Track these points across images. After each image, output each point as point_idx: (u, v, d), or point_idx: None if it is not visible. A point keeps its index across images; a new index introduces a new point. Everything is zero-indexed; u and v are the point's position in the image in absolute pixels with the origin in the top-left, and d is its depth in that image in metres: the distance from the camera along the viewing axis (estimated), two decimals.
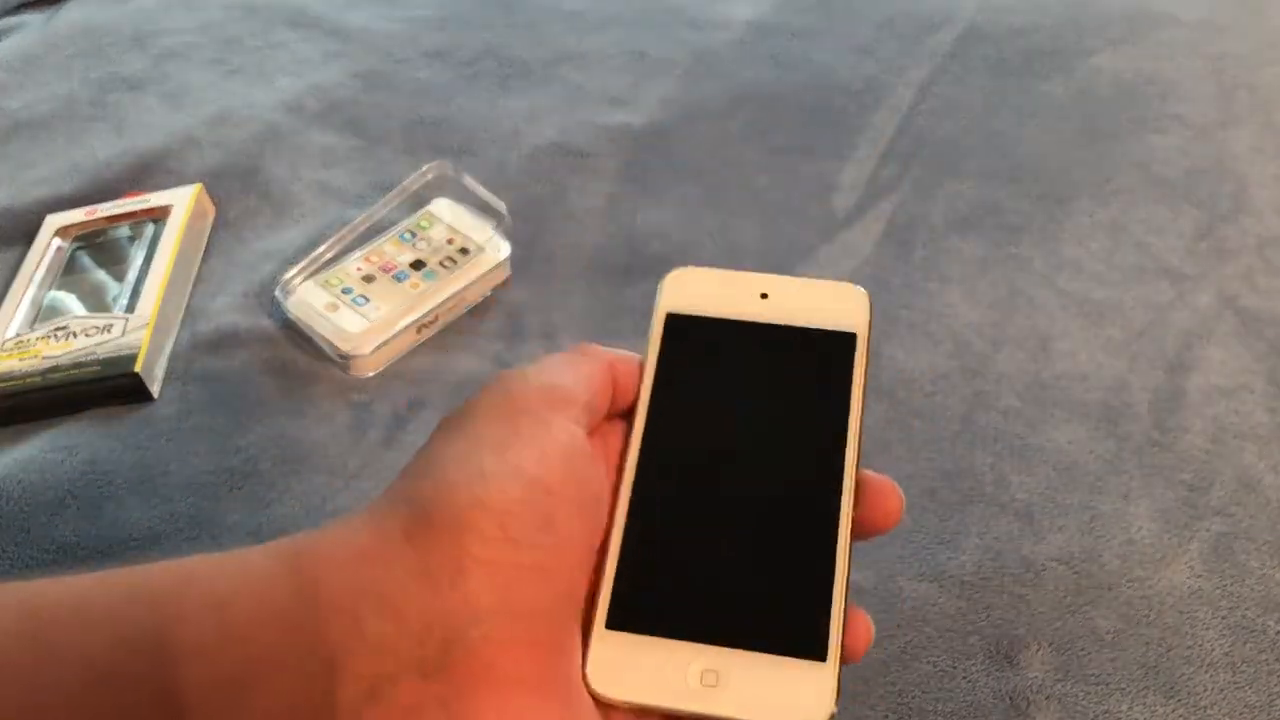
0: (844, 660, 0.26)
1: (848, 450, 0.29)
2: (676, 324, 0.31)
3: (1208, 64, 0.82)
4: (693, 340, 0.30)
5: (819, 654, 0.25)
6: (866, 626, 0.27)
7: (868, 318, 0.30)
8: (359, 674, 0.21)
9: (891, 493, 0.28)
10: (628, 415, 0.29)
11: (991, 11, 0.89)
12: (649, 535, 0.27)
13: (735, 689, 0.25)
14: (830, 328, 0.30)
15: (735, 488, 0.28)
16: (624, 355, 0.29)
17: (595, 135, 0.74)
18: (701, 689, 0.25)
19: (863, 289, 0.30)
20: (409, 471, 0.24)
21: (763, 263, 0.64)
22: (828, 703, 0.25)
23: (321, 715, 0.21)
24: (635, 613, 0.26)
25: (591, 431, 0.27)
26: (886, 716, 0.42)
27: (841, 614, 0.26)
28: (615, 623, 0.26)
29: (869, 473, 0.28)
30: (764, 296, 0.30)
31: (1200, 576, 0.47)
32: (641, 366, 0.30)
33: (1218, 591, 0.47)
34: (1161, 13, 0.88)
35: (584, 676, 0.25)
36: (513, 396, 0.25)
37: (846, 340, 0.30)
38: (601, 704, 0.25)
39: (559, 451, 0.24)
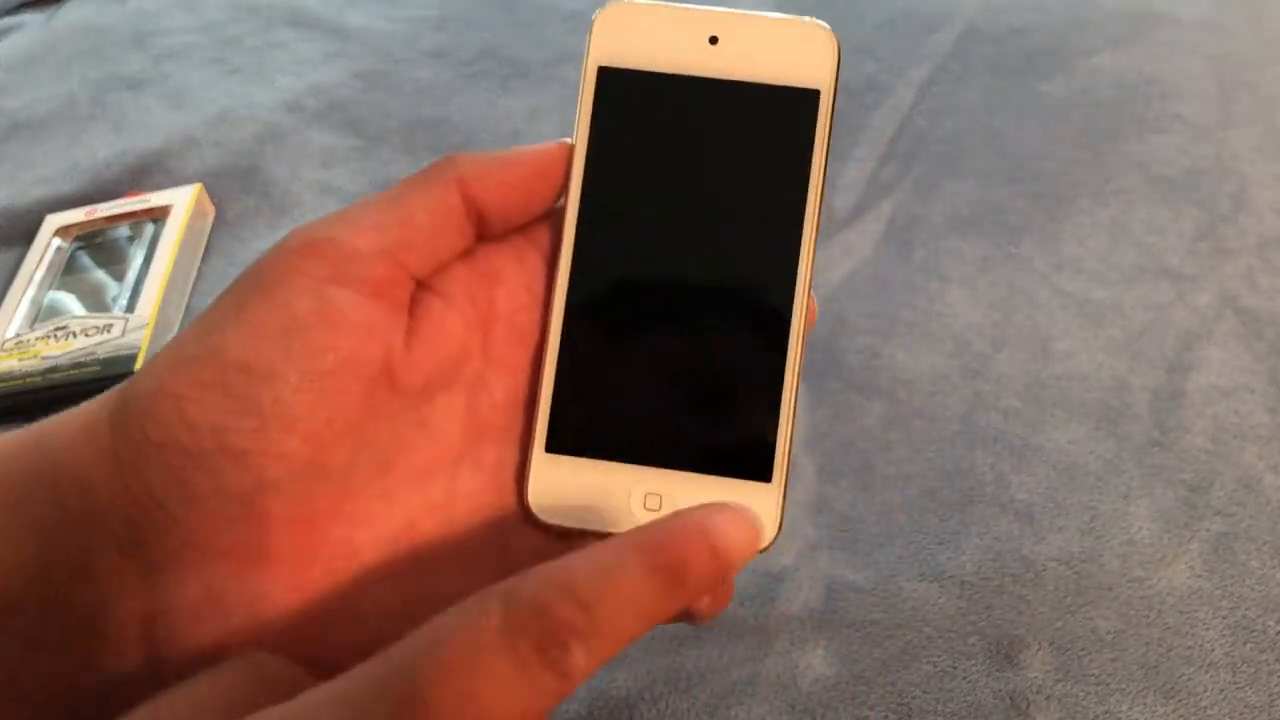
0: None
1: (803, 245, 0.25)
2: (610, 83, 0.26)
3: (1208, 64, 0.82)
4: (629, 105, 0.26)
5: (764, 475, 0.25)
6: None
7: (834, 66, 0.26)
8: (66, 549, 0.22)
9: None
10: (555, 212, 0.27)
11: (991, 11, 0.88)
12: (586, 349, 0.25)
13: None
14: (790, 83, 0.26)
15: (679, 291, 0.26)
16: (531, 150, 0.27)
17: None
18: (645, 513, 0.25)
19: (827, 28, 0.26)
20: (159, 351, 0.25)
21: None
22: (772, 526, 0.24)
23: (33, 590, 0.22)
24: (573, 435, 0.25)
25: (431, 272, 0.26)
26: (886, 716, 0.42)
27: (789, 433, 0.25)
28: (554, 446, 0.25)
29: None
30: (713, 41, 0.26)
31: (1201, 576, 0.47)
32: (569, 150, 0.27)
33: (1218, 592, 0.47)
34: (1162, 13, 0.88)
35: (525, 501, 0.25)
36: (262, 263, 0.24)
37: (807, 100, 0.26)
38: (545, 528, 0.25)
39: (278, 326, 0.23)
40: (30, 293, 0.60)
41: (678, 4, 0.26)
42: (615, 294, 0.26)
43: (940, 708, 0.42)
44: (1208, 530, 0.49)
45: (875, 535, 0.49)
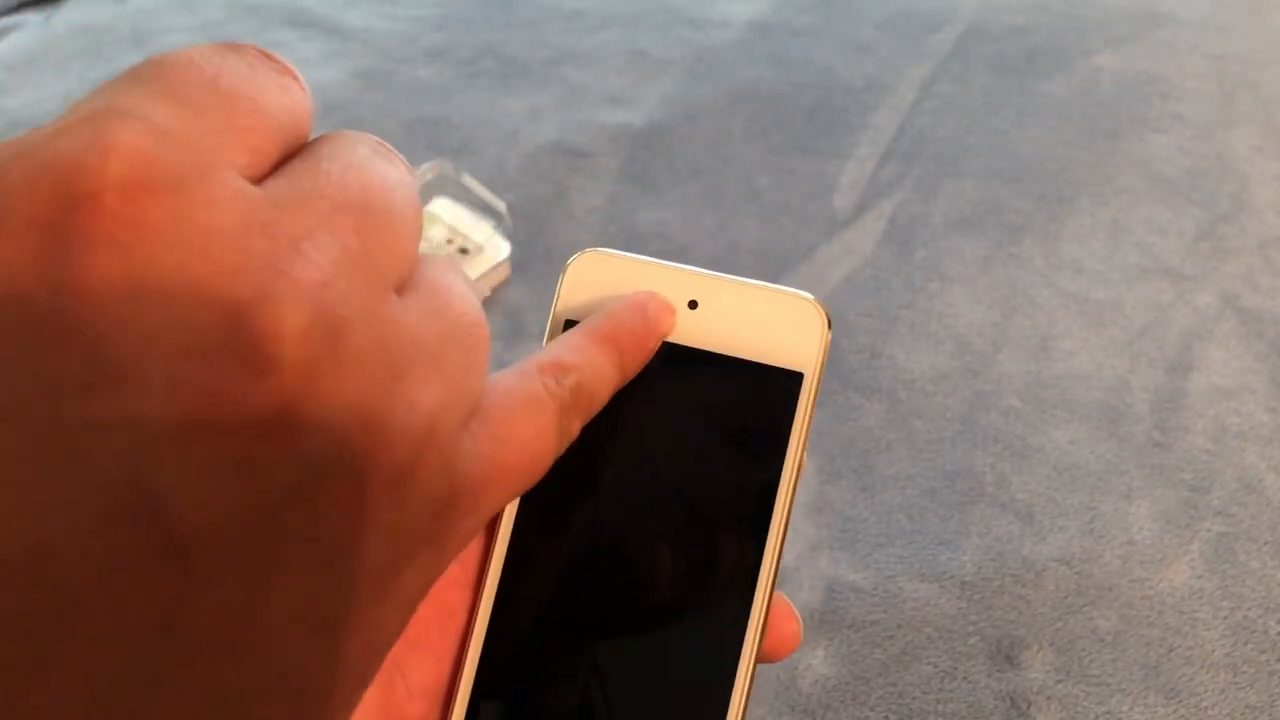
0: (765, 659, 0.23)
1: (768, 546, 0.22)
2: None
3: (1209, 63, 0.82)
4: None
5: None
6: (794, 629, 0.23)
7: (822, 346, 0.23)
8: None
9: (788, 616, 0.23)
10: None
11: (991, 11, 0.88)
12: (516, 638, 0.22)
13: None
14: (772, 362, 0.23)
15: (625, 583, 0.23)
16: None
17: (595, 135, 0.74)
18: None
19: (818, 304, 0.23)
20: None
21: (763, 262, 0.64)
22: None
23: None
24: None
25: None
26: (886, 717, 0.42)
27: None
28: None
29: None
30: (693, 305, 0.23)
31: (1201, 577, 0.47)
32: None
33: (1218, 592, 0.47)
34: (1163, 12, 0.88)
35: None
36: None
37: (790, 382, 0.23)
38: None
39: None
40: None
41: (659, 261, 0.24)
42: (555, 578, 0.23)
43: (940, 708, 0.42)
44: (1208, 530, 0.49)
45: (875, 535, 0.49)
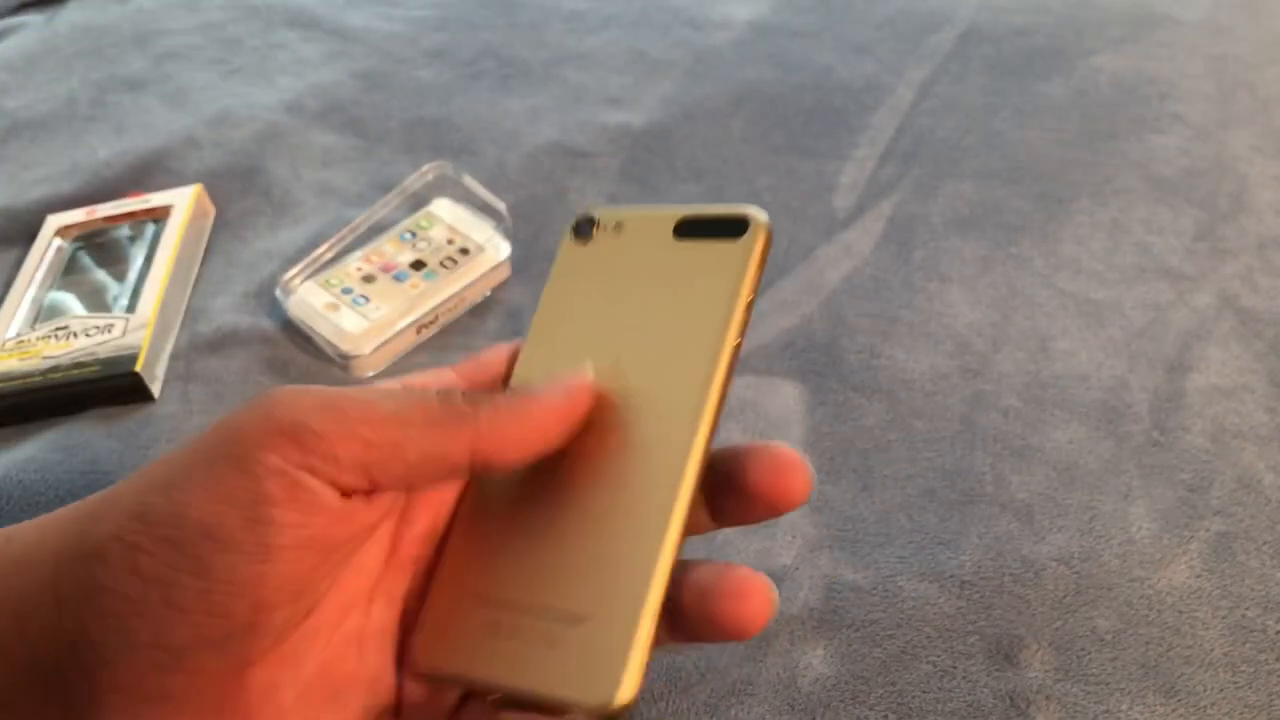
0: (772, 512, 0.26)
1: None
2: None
3: (1208, 64, 0.82)
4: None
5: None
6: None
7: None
8: None
9: (795, 466, 0.27)
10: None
11: (991, 11, 0.89)
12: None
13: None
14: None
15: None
16: (547, 397, 0.27)
17: (595, 135, 0.74)
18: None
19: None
20: (119, 486, 0.24)
21: None
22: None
23: None
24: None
25: (402, 491, 0.27)
26: (886, 716, 0.42)
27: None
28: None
29: (770, 446, 0.27)
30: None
31: (1200, 576, 0.47)
32: (591, 395, 0.28)
33: (1218, 591, 0.47)
34: (1162, 13, 0.88)
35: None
36: (241, 427, 0.24)
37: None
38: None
39: (247, 498, 0.23)
40: (31, 293, 0.60)
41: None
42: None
43: (940, 708, 0.42)
44: (1207, 530, 0.49)
45: (875, 535, 0.49)
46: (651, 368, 0.27)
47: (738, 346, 0.27)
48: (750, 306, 0.27)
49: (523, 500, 0.27)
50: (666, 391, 0.27)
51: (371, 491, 0.25)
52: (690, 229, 0.29)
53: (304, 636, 0.25)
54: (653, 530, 0.25)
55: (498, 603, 0.26)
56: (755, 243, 0.28)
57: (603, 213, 0.30)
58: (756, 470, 0.26)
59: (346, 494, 0.24)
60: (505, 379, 0.29)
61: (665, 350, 0.27)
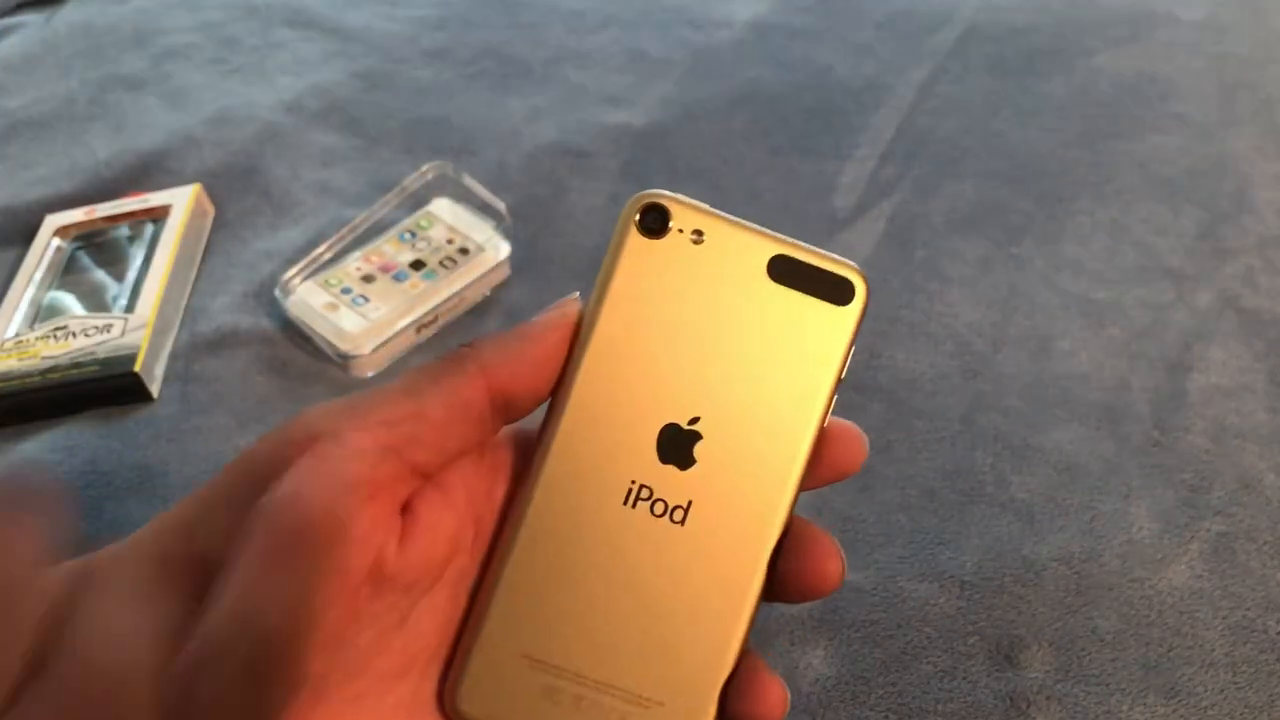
0: (806, 596, 0.25)
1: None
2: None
3: (1209, 64, 0.82)
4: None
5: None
6: (779, 696, 0.25)
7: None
8: None
9: (830, 554, 0.25)
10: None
11: (991, 11, 0.89)
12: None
13: None
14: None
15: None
16: (548, 320, 0.25)
17: (595, 135, 0.74)
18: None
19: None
20: (163, 521, 0.22)
21: None
22: None
23: None
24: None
25: (440, 466, 0.24)
26: (887, 717, 0.42)
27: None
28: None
29: (810, 530, 0.26)
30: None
31: (1201, 576, 0.47)
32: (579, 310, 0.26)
33: (1218, 591, 0.47)
34: (1162, 12, 0.88)
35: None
36: (258, 452, 0.22)
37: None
38: None
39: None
40: (30, 293, 0.60)
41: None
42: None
43: (940, 708, 0.42)
44: (1208, 530, 0.49)
45: (875, 535, 0.49)
46: (737, 430, 0.25)
47: (824, 422, 0.26)
48: (842, 380, 0.26)
49: (579, 556, 0.25)
50: (750, 463, 0.25)
51: (404, 482, 0.23)
52: (787, 272, 0.27)
53: (350, 699, 0.23)
54: (729, 615, 0.24)
55: (555, 670, 0.24)
56: (858, 312, 0.27)
57: (675, 206, 0.27)
58: (796, 559, 0.26)
59: (377, 495, 0.22)
60: (560, 375, 0.26)
61: (754, 415, 0.25)
